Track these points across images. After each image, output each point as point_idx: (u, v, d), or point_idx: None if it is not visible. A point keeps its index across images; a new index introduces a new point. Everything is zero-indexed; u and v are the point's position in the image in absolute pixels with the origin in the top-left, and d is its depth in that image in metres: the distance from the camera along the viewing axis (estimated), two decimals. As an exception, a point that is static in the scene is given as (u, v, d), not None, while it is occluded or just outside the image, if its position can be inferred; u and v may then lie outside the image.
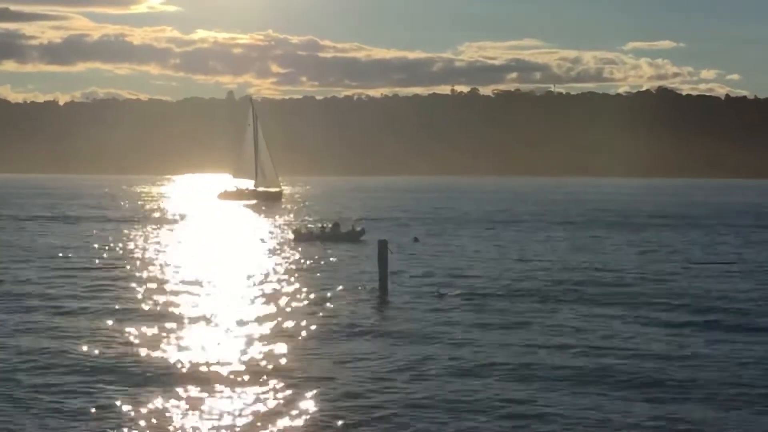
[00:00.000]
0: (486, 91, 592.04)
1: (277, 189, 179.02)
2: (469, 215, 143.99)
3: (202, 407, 29.20)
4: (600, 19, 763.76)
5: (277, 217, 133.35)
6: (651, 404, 29.11)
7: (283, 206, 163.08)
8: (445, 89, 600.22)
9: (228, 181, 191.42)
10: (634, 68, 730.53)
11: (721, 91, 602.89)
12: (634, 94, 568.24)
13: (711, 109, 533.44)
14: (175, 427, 27.25)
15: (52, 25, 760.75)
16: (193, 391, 31.16)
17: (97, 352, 37.65)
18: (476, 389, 31.21)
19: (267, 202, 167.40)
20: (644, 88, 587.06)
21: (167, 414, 28.57)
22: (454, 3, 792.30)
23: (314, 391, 30.69)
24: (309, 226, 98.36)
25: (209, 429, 27.13)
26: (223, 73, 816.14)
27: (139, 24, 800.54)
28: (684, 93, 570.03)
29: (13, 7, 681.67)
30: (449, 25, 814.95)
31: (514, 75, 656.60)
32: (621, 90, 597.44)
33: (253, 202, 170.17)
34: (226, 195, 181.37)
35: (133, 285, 58.37)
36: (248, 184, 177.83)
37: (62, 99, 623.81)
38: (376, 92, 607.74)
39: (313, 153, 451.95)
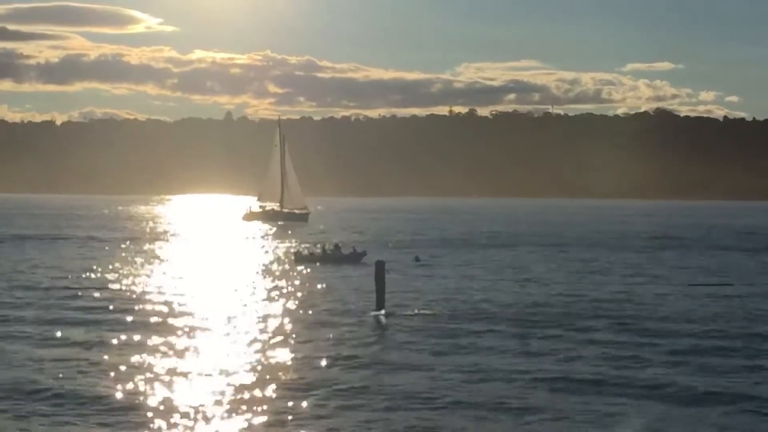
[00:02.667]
0: (484, 112, 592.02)
1: (304, 210, 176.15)
2: (465, 236, 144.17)
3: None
4: (598, 40, 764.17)
5: (294, 236, 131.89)
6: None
7: (309, 227, 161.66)
8: (443, 110, 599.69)
9: (225, 201, 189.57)
10: (633, 89, 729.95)
11: (719, 112, 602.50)
12: (632, 116, 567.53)
13: (709, 130, 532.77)
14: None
15: (50, 45, 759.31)
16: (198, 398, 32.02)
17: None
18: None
19: (293, 223, 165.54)
20: (642, 110, 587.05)
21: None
22: (452, 24, 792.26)
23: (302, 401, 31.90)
24: (311, 248, 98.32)
25: None
26: (220, 94, 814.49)
27: (136, 44, 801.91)
28: (682, 114, 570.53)
29: (10, 27, 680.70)
30: (447, 46, 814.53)
31: (512, 96, 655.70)
32: (619, 111, 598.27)
33: (280, 223, 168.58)
34: (251, 216, 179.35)
35: (150, 305, 59.27)
36: (273, 204, 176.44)
37: (59, 119, 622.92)
38: (373, 113, 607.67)
39: (311, 173, 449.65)
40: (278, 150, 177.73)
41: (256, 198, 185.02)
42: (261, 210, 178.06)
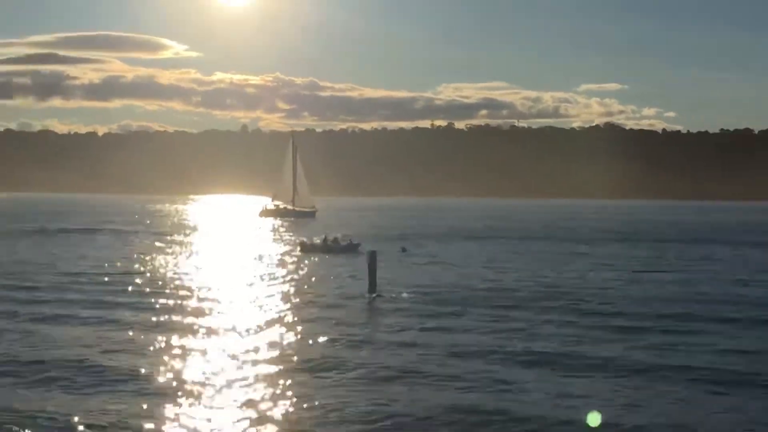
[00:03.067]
0: (461, 125, 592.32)
1: (311, 208, 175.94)
2: (445, 230, 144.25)
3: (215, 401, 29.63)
4: (557, 64, 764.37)
5: (303, 230, 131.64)
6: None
7: (316, 221, 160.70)
8: (425, 124, 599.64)
9: (262, 202, 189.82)
10: (586, 106, 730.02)
11: (659, 126, 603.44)
12: (585, 129, 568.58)
13: (650, 141, 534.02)
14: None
15: (93, 68, 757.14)
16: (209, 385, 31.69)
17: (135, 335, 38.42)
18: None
19: (303, 219, 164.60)
20: (594, 124, 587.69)
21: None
22: (433, 49, 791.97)
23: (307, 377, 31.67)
24: (315, 240, 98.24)
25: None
26: (237, 109, 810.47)
27: (166, 67, 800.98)
28: (628, 128, 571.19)
29: (60, 52, 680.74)
30: (429, 69, 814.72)
31: (484, 112, 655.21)
32: (575, 125, 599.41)
33: (291, 219, 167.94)
34: (267, 212, 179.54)
35: (178, 289, 59.00)
36: (286, 203, 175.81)
37: (101, 131, 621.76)
38: (367, 126, 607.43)
39: (313, 177, 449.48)
40: (290, 158, 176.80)
41: (270, 197, 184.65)
42: (275, 208, 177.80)
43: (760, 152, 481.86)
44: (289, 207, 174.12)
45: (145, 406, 27.26)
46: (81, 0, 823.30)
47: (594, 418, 25.82)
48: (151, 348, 36.57)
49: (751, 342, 39.03)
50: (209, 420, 26.00)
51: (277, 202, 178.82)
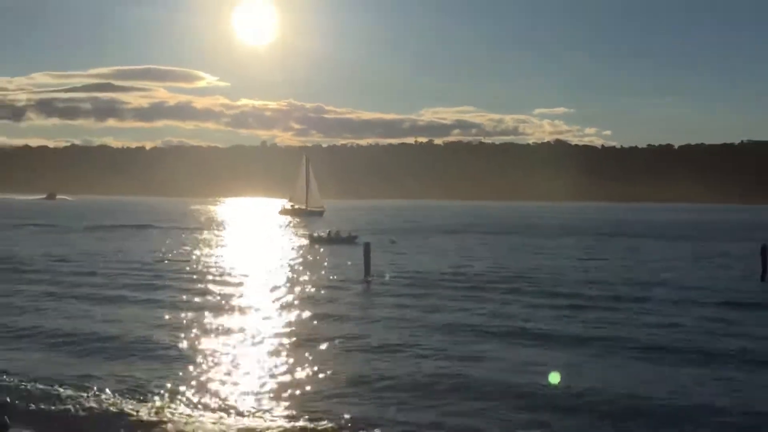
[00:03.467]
0: (439, 141, 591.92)
1: (320, 208, 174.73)
2: (426, 226, 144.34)
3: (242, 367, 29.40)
4: (516, 92, 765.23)
5: (312, 227, 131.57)
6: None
7: (324, 219, 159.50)
8: (410, 140, 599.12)
9: (278, 203, 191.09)
10: (539, 126, 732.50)
11: (598, 142, 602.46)
12: (539, 144, 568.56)
13: (591, 154, 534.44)
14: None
15: (141, 95, 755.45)
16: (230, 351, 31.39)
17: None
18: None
19: (313, 217, 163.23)
20: (546, 140, 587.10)
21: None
22: (417, 80, 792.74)
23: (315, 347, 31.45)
24: (320, 233, 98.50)
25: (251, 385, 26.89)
26: (258, 128, 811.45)
27: (201, 94, 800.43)
28: (573, 144, 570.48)
29: (114, 82, 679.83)
30: (414, 96, 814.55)
31: (458, 131, 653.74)
32: (530, 141, 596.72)
33: (304, 216, 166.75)
34: (285, 211, 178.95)
35: (206, 274, 58.86)
36: (300, 204, 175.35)
37: (148, 146, 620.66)
38: (363, 142, 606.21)
39: (320, 183, 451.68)
40: (304, 168, 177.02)
41: (288, 199, 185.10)
42: (291, 208, 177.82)
43: (678, 163, 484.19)
44: (303, 207, 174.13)
45: (174, 372, 27.02)
46: (132, 39, 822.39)
47: (554, 377, 25.57)
48: (186, 323, 36.07)
49: (674, 317, 38.93)
50: (235, 383, 25.81)
51: (293, 203, 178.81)
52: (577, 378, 26.01)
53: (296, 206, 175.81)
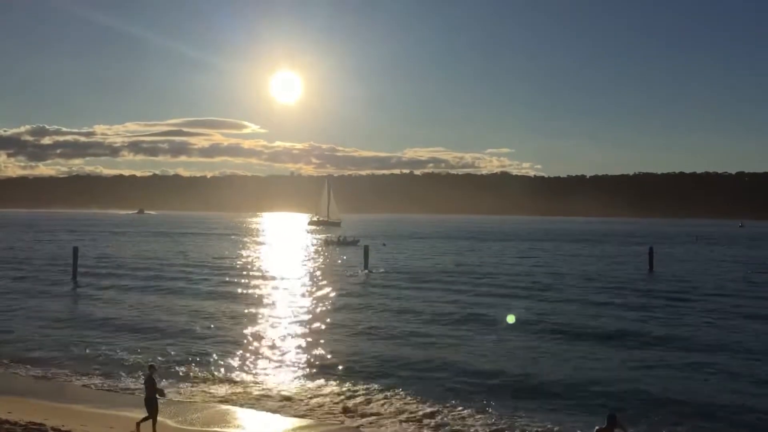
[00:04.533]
0: (418, 172, 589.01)
1: (338, 220, 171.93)
2: (409, 233, 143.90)
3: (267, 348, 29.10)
4: (473, 136, 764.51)
5: (329, 233, 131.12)
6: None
7: (340, 229, 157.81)
8: (397, 171, 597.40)
9: (308, 217, 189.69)
10: (490, 161, 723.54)
11: (532, 173, 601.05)
12: (489, 175, 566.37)
13: (526, 181, 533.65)
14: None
15: (203, 138, 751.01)
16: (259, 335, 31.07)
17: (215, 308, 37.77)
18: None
19: (333, 227, 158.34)
20: (494, 171, 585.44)
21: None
22: (402, 128, 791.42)
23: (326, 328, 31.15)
24: (332, 237, 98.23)
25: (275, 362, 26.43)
26: (288, 163, 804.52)
27: (246, 138, 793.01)
28: (514, 174, 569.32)
29: (184, 129, 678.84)
30: (399, 139, 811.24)
31: (431, 164, 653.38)
32: (483, 172, 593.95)
33: (326, 226, 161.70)
34: (312, 223, 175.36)
35: (249, 270, 58.31)
36: (323, 217, 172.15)
37: (209, 175, 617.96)
38: (363, 172, 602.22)
39: (323, 203, 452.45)
40: (326, 191, 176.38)
41: (314, 214, 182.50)
42: (318, 220, 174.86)
43: (589, 188, 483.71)
44: (326, 219, 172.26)
45: (211, 350, 26.85)
46: (197, 98, 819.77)
47: (511, 318, 25.17)
48: (232, 312, 34.99)
49: (587, 299, 38.86)
50: (267, 359, 25.65)
51: (318, 217, 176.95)
52: (498, 355, 25.70)
53: (321, 219, 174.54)
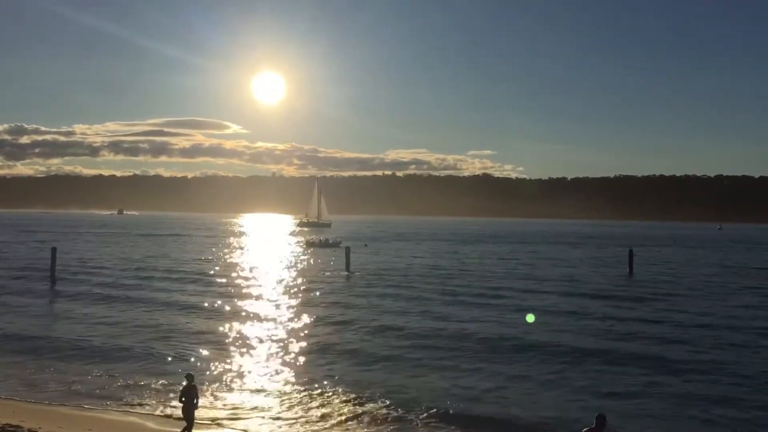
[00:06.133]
0: (400, 174, 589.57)
1: (328, 222, 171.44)
2: (389, 235, 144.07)
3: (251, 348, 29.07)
4: (456, 139, 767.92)
5: (314, 235, 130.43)
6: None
7: (330, 230, 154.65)
8: (379, 173, 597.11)
9: (295, 218, 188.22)
10: (471, 164, 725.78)
11: (514, 175, 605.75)
12: (471, 177, 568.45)
13: (509, 184, 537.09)
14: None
15: (184, 138, 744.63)
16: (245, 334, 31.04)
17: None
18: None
19: (323, 228, 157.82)
20: (476, 173, 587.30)
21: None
22: (384, 130, 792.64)
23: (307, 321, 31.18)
24: (314, 239, 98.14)
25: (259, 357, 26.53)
26: (269, 163, 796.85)
27: (228, 138, 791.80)
28: (496, 176, 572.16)
29: (165, 129, 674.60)
30: (381, 141, 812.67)
31: (413, 166, 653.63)
32: (465, 174, 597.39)
33: (316, 227, 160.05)
34: (302, 224, 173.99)
35: (230, 270, 58.15)
36: (314, 218, 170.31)
37: (190, 176, 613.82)
38: (346, 174, 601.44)
39: (313, 204, 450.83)
40: (316, 192, 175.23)
41: (304, 215, 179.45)
42: (308, 221, 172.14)
43: (570, 191, 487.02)
44: (316, 220, 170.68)
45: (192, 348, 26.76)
46: (178, 98, 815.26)
47: (530, 317, 25.27)
48: (213, 309, 35.54)
49: (563, 304, 39.13)
50: (249, 355, 25.62)
51: (308, 218, 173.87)
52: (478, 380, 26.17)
53: (311, 219, 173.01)
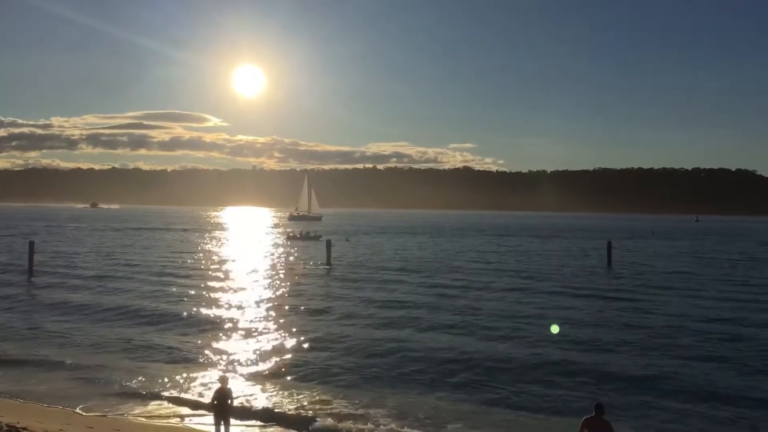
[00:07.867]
0: (381, 167, 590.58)
1: (319, 215, 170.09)
2: (370, 228, 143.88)
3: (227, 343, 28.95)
4: (436, 131, 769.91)
5: (302, 228, 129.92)
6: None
7: (321, 223, 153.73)
8: (360, 166, 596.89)
9: (265, 211, 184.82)
10: (452, 157, 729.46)
11: (494, 168, 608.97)
12: (452, 170, 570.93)
13: (489, 177, 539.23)
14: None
15: (164, 132, 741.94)
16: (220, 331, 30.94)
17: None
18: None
19: (314, 221, 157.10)
20: (457, 166, 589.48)
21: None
22: (365, 123, 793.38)
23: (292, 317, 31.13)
24: (294, 232, 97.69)
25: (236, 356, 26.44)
26: (250, 157, 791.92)
27: (208, 131, 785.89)
28: (476, 169, 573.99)
29: (144, 122, 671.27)
30: (362, 134, 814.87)
31: (394, 159, 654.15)
32: (446, 167, 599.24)
33: (307, 221, 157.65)
34: (292, 217, 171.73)
35: (218, 264, 57.80)
36: (304, 211, 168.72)
37: (169, 168, 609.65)
38: (327, 167, 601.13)
39: (295, 197, 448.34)
40: (306, 185, 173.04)
41: (295, 208, 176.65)
42: (298, 214, 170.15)
43: (549, 184, 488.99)
44: (306, 213, 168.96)
45: (180, 336, 26.70)
46: (157, 91, 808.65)
47: (555, 328, 25.30)
48: (192, 298, 35.62)
49: (533, 297, 39.35)
50: (230, 343, 25.57)
51: (299, 211, 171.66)
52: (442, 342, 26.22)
53: (301, 213, 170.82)
